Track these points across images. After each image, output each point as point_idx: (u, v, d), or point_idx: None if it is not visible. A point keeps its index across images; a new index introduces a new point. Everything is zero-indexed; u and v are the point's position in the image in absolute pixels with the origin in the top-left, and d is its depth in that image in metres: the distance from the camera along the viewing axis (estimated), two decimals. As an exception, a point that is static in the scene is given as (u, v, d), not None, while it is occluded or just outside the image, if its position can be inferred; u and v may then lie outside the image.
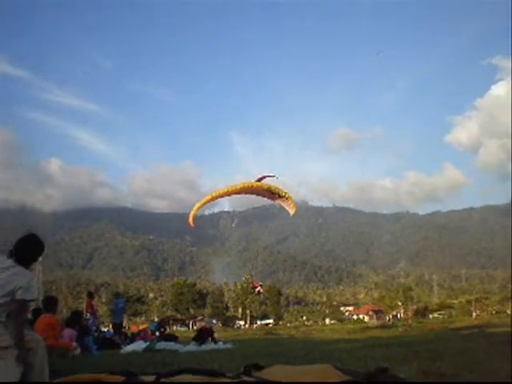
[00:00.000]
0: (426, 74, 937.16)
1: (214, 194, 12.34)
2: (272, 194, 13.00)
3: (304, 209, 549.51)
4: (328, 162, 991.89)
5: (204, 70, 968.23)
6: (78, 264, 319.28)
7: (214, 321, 52.53)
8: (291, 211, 13.55)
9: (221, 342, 15.42)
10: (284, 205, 13.49)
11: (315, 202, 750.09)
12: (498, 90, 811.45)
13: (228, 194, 12.66)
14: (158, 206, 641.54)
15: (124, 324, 21.40)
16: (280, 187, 13.28)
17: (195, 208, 12.42)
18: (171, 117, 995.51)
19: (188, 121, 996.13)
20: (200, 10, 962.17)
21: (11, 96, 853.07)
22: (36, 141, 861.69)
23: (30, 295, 4.57)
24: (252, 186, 12.80)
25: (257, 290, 35.16)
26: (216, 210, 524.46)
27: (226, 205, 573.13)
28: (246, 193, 13.31)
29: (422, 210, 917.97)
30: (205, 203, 12.43)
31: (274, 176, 13.83)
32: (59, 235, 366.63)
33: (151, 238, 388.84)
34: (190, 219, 12.68)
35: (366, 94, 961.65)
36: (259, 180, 14.70)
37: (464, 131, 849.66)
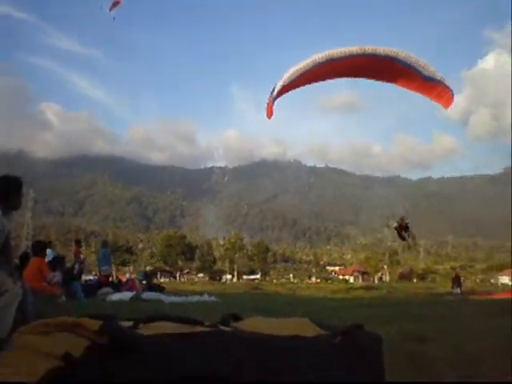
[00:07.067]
0: (423, 44, 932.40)
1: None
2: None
3: (296, 167, 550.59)
4: (326, 122, 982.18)
5: (206, 22, 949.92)
6: (69, 212, 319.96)
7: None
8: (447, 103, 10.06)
9: (206, 295, 15.49)
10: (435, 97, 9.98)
11: (308, 161, 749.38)
12: (486, 61, 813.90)
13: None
14: (153, 158, 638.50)
15: (112, 273, 21.49)
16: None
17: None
18: (172, 68, 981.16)
19: (189, 73, 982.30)
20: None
21: (12, 39, 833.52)
22: (35, 85, 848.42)
23: None
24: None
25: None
26: (209, 164, 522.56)
27: (219, 160, 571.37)
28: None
29: (414, 175, 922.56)
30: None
31: None
32: (52, 182, 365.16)
33: (142, 189, 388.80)
34: None
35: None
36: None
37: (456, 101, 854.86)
